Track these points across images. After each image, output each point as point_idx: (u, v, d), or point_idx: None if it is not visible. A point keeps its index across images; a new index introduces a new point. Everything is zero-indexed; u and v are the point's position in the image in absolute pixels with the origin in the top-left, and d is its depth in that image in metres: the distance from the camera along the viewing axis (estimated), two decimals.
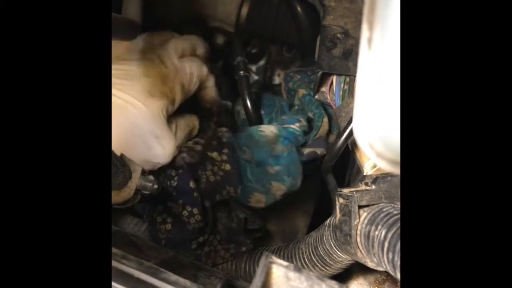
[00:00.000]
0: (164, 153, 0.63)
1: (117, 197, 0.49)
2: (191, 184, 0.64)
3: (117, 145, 0.57)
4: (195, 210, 0.64)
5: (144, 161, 0.61)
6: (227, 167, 0.66)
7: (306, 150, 0.72)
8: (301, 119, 0.71)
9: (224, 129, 0.69)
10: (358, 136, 0.26)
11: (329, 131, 0.75)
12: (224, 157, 0.66)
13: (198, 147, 0.67)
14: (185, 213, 0.64)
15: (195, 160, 0.65)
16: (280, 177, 0.67)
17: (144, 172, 0.52)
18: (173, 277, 0.37)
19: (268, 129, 0.69)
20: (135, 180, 0.50)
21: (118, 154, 0.50)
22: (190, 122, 0.71)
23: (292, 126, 0.69)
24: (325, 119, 0.73)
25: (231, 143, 0.67)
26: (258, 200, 0.68)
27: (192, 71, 0.68)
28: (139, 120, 0.60)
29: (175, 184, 0.64)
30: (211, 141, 0.68)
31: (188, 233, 0.65)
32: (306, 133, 0.72)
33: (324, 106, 0.77)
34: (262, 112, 0.78)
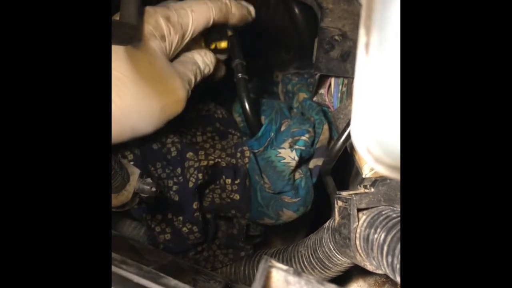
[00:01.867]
0: (177, 98, 0.59)
1: (115, 200, 0.49)
2: (194, 205, 0.63)
3: (128, 103, 0.54)
4: (195, 228, 0.64)
5: (160, 111, 0.57)
6: (236, 196, 0.65)
7: (311, 164, 0.71)
8: (309, 128, 0.69)
9: (247, 149, 0.67)
10: (356, 141, 0.26)
11: (330, 138, 0.73)
12: (235, 187, 0.65)
13: (222, 163, 0.65)
14: (184, 229, 0.64)
15: (205, 180, 0.64)
16: (296, 207, 0.66)
17: (142, 175, 0.52)
18: (173, 281, 0.37)
19: (288, 156, 0.66)
20: (133, 183, 0.50)
21: (135, 109, 0.49)
22: (193, 58, 0.65)
23: (303, 137, 0.68)
24: (326, 126, 0.72)
25: (246, 172, 0.66)
26: (267, 223, 0.67)
27: (181, 4, 0.61)
28: (139, 70, 0.55)
29: (176, 199, 0.64)
30: (230, 160, 0.66)
31: (187, 244, 0.65)
32: (313, 143, 0.71)
33: (325, 112, 0.76)
34: (262, 117, 0.77)
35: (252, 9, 0.71)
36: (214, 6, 0.63)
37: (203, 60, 0.66)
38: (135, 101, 0.55)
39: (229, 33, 0.72)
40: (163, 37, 0.58)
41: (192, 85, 0.63)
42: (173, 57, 0.63)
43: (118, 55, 0.54)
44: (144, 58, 0.55)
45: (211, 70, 0.68)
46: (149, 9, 0.58)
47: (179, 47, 0.62)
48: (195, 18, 0.61)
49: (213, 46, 0.71)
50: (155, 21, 0.57)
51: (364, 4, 0.25)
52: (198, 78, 0.65)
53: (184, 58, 0.65)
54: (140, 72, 0.55)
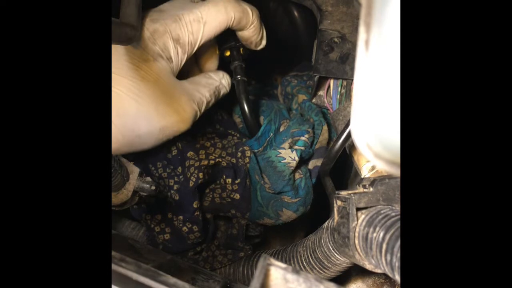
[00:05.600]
0: (180, 119, 0.58)
1: (115, 199, 0.49)
2: (195, 205, 0.63)
3: (127, 122, 0.53)
4: (195, 228, 0.64)
5: (159, 131, 0.56)
6: (236, 196, 0.65)
7: (310, 164, 0.71)
8: (309, 129, 0.70)
9: (248, 149, 0.67)
10: (356, 137, 0.26)
11: (329, 139, 0.74)
12: (236, 187, 0.65)
13: (223, 162, 0.65)
14: (185, 229, 0.64)
15: (205, 179, 0.64)
16: (296, 207, 0.66)
17: (141, 174, 0.52)
18: (172, 279, 0.37)
19: (289, 156, 0.66)
20: (133, 182, 0.50)
21: (133, 128, 0.49)
22: (210, 80, 0.65)
23: (302, 138, 0.68)
24: (325, 127, 0.72)
25: (247, 172, 0.66)
26: (267, 223, 0.68)
27: (196, 15, 0.58)
28: (141, 89, 0.54)
29: (177, 198, 0.64)
30: (231, 159, 0.66)
31: (186, 244, 0.65)
32: (312, 143, 0.72)
33: (324, 113, 0.76)
34: (261, 117, 0.77)
35: (264, 42, 0.71)
36: (237, 17, 0.62)
37: (220, 82, 0.66)
38: (134, 121, 0.54)
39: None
40: (170, 59, 0.58)
41: (204, 106, 0.62)
42: (186, 73, 0.63)
43: (122, 72, 0.53)
44: (148, 77, 0.55)
45: (227, 91, 0.68)
46: (159, 28, 0.57)
47: (186, 61, 0.61)
48: (206, 31, 0.60)
49: (227, 53, 0.71)
50: (163, 44, 0.56)
51: (364, 2, 0.25)
52: (213, 99, 0.64)
53: (199, 78, 0.65)
54: (143, 92, 0.54)
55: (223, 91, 0.67)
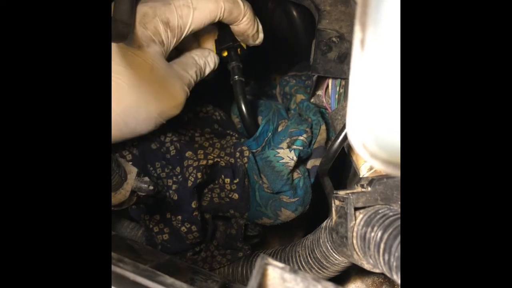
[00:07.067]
0: (176, 103, 0.59)
1: (113, 199, 0.49)
2: (193, 205, 0.63)
3: (127, 110, 0.54)
4: (194, 228, 0.64)
5: (158, 116, 0.58)
6: (235, 196, 0.65)
7: (308, 164, 0.71)
8: (307, 128, 0.70)
9: (246, 149, 0.67)
10: (352, 137, 0.26)
11: (328, 138, 0.74)
12: (234, 187, 0.65)
13: (221, 162, 0.65)
14: (183, 229, 0.64)
15: (204, 179, 0.64)
16: (294, 207, 0.66)
17: (139, 174, 0.52)
18: (169, 280, 0.37)
19: (287, 156, 0.66)
20: (131, 182, 0.50)
21: (133, 115, 0.50)
22: (196, 59, 0.65)
23: (301, 137, 0.68)
24: (323, 127, 0.72)
25: (245, 172, 0.66)
26: (265, 222, 0.68)
27: (186, 1, 0.58)
28: (140, 77, 0.55)
29: (175, 198, 0.64)
30: (229, 159, 0.66)
31: (185, 245, 0.65)
32: (310, 143, 0.71)
33: (322, 112, 0.76)
34: (260, 117, 0.77)
35: (261, 36, 0.70)
36: (227, 7, 0.61)
37: (204, 61, 0.66)
38: (134, 108, 0.55)
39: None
40: (161, 42, 0.58)
41: (192, 86, 0.63)
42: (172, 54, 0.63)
43: (116, 60, 0.53)
44: (144, 64, 0.55)
45: (212, 68, 0.68)
46: (148, 11, 0.56)
47: (175, 45, 0.61)
48: (196, 17, 0.59)
49: (225, 54, 0.71)
50: (154, 27, 0.56)
51: (359, 1, 0.25)
52: (198, 78, 0.65)
53: (186, 59, 0.64)
54: (140, 78, 0.54)
55: (207, 69, 0.67)
